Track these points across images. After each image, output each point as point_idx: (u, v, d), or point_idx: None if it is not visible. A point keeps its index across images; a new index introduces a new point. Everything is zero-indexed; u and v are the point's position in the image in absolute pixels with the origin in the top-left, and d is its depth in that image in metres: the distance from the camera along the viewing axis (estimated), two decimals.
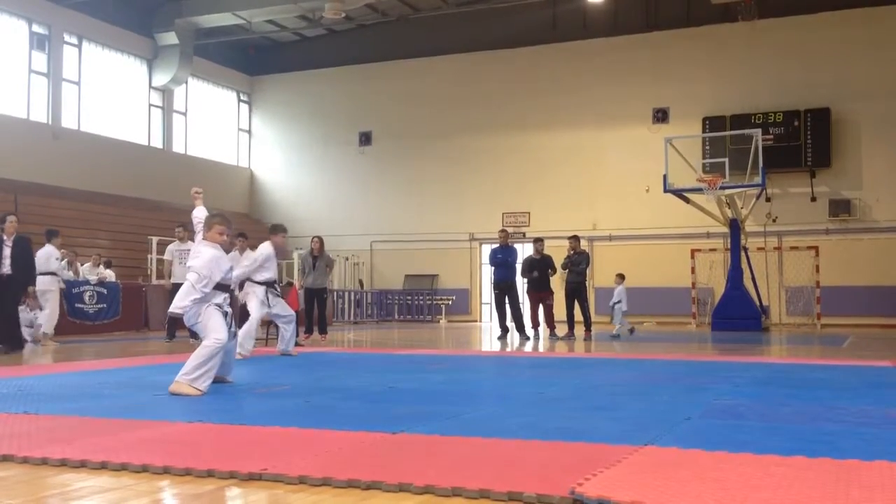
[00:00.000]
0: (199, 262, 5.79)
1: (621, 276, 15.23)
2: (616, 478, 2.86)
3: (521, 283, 14.65)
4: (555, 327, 14.39)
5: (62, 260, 16.20)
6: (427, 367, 7.81)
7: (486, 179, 24.01)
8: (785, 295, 20.03)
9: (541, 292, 14.28)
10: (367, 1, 21.57)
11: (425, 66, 24.83)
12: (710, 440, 3.65)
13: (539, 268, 14.24)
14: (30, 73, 20.19)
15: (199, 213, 6.17)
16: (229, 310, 5.95)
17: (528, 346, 12.26)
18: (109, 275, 16.47)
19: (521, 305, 14.53)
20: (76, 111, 21.28)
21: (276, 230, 9.83)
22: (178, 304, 5.75)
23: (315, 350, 10.76)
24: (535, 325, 14.40)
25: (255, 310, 9.27)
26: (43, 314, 11.85)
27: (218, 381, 5.85)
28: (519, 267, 14.41)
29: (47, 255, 11.96)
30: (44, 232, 12.35)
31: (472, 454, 3.34)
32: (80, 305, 15.34)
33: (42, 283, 11.62)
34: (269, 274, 9.35)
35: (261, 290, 9.28)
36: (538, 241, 14.63)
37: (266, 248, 9.40)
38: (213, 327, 5.74)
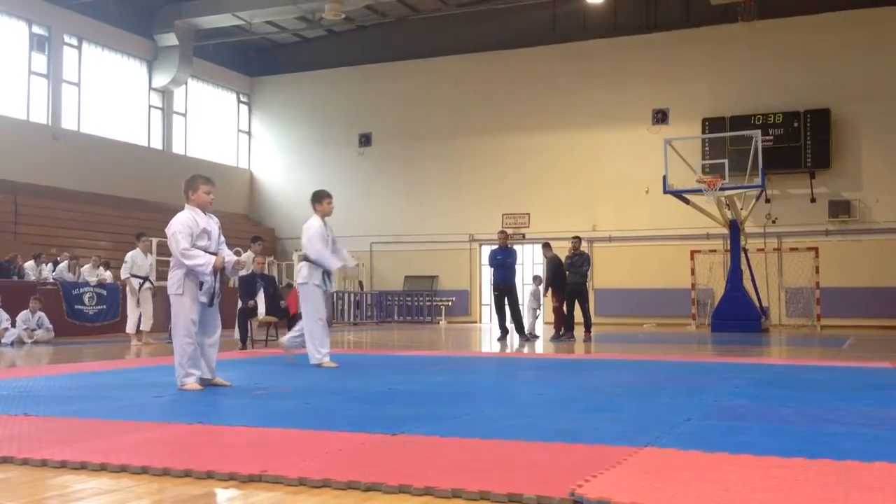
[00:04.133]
0: (173, 226, 5.89)
1: (538, 278, 16.08)
2: (616, 479, 2.86)
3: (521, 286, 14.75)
4: (561, 328, 14.31)
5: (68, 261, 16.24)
6: (427, 369, 7.81)
7: (486, 180, 24.01)
8: (785, 296, 20.03)
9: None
10: (367, 2, 21.58)
11: (425, 67, 24.84)
12: (710, 441, 3.65)
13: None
14: (30, 74, 20.20)
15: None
16: (216, 284, 5.95)
17: (528, 348, 12.26)
18: (108, 276, 16.45)
19: (520, 307, 14.53)
20: (76, 112, 21.29)
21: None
22: (196, 265, 5.75)
23: None
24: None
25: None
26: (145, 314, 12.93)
27: (206, 383, 5.90)
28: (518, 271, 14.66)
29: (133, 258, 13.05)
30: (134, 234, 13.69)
31: (471, 455, 3.34)
32: (79, 307, 15.33)
33: (135, 284, 12.89)
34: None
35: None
36: (546, 247, 14.94)
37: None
38: (175, 322, 5.89)
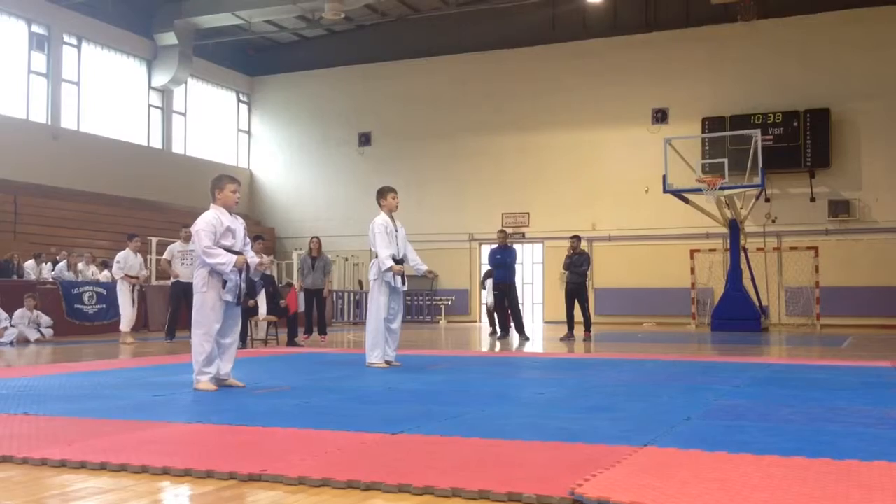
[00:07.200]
0: (198, 224, 5.87)
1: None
2: (616, 478, 2.86)
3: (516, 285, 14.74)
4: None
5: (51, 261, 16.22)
6: (427, 368, 7.81)
7: (486, 180, 24.01)
8: (784, 295, 20.01)
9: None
10: (367, 1, 21.56)
11: (425, 67, 24.83)
12: (710, 440, 3.65)
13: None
14: (29, 73, 20.18)
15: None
16: (242, 283, 5.93)
17: (527, 347, 12.26)
18: (102, 276, 16.46)
19: (520, 306, 14.54)
20: (76, 112, 21.27)
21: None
22: (217, 263, 5.72)
23: (314, 351, 10.76)
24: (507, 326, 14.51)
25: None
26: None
27: (220, 384, 5.88)
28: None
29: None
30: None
31: (471, 455, 3.34)
32: (79, 306, 15.33)
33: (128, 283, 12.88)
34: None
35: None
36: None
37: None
38: (197, 320, 5.85)
